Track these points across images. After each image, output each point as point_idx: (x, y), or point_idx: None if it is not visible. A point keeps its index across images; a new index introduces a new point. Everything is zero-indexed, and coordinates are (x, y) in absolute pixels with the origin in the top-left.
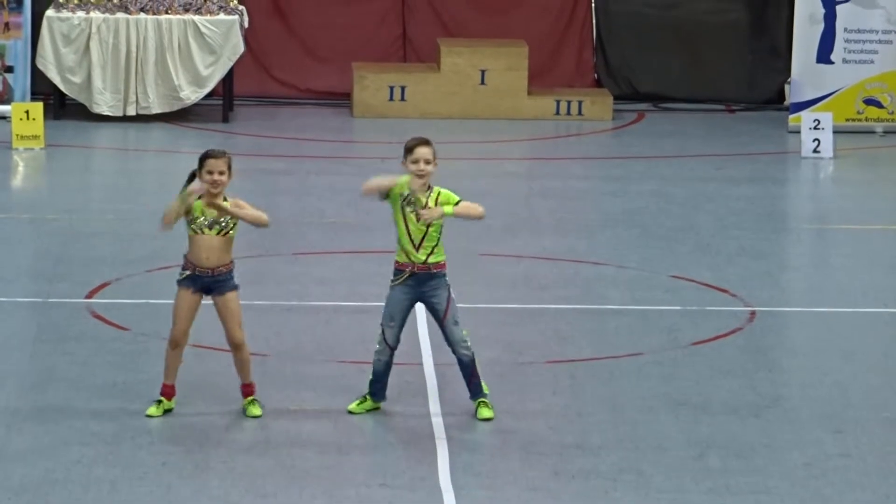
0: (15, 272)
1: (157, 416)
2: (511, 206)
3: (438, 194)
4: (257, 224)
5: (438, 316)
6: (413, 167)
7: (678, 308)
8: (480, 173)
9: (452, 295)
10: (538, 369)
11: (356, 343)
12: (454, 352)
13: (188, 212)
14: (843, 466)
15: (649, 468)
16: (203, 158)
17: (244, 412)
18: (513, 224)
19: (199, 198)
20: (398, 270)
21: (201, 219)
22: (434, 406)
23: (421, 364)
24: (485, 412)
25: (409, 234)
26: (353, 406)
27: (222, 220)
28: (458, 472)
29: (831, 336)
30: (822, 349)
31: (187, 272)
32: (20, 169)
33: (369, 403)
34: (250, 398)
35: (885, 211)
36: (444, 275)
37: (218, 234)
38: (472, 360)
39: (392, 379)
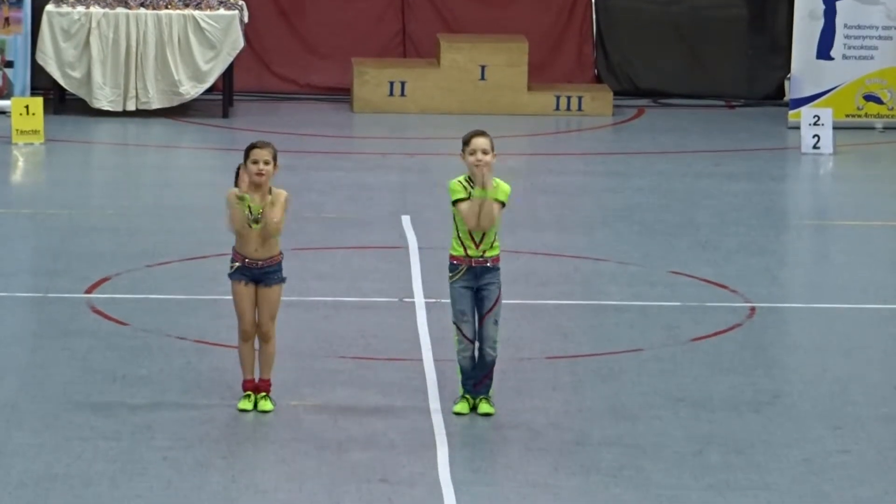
0: (15, 267)
1: (251, 410)
2: (511, 202)
3: (498, 186)
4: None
5: (482, 310)
6: (471, 158)
7: (678, 304)
8: None
9: (501, 294)
10: (538, 365)
11: (356, 338)
12: (481, 347)
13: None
14: (842, 463)
15: (649, 464)
16: (249, 149)
17: (255, 407)
18: (512, 220)
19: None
20: (454, 265)
21: (248, 214)
22: (434, 402)
23: (421, 360)
24: (485, 407)
25: (470, 232)
26: (457, 408)
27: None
28: (458, 467)
29: (831, 332)
30: (822, 345)
31: (237, 264)
32: (20, 164)
33: (471, 400)
34: (264, 393)
35: (885, 207)
36: (499, 269)
37: (261, 229)
38: (493, 362)
39: (391, 374)
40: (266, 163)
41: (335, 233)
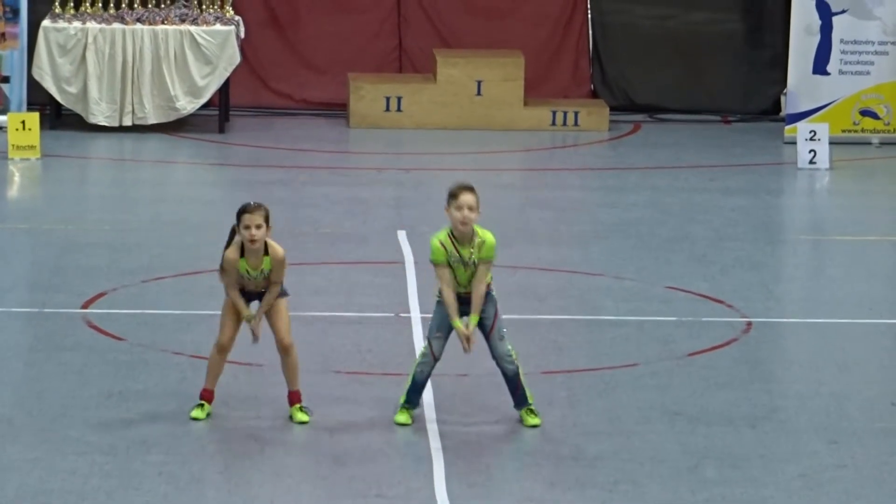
0: (11, 282)
1: (203, 419)
2: (507, 217)
3: (483, 243)
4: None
5: (485, 330)
6: (457, 214)
7: (674, 319)
8: (476, 184)
9: (499, 309)
10: (534, 380)
11: (352, 353)
12: (498, 365)
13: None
14: (838, 477)
15: (645, 479)
16: (240, 214)
17: (290, 418)
18: (508, 235)
19: (242, 255)
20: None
21: (246, 276)
22: (430, 416)
23: None
24: (530, 419)
25: (458, 281)
26: (399, 418)
27: (266, 271)
28: (454, 482)
29: (827, 347)
30: (818, 360)
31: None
32: (16, 179)
33: (412, 412)
34: (298, 405)
35: (881, 222)
36: (491, 291)
37: (263, 280)
38: (517, 374)
39: (388, 390)
40: (258, 227)
41: (331, 248)
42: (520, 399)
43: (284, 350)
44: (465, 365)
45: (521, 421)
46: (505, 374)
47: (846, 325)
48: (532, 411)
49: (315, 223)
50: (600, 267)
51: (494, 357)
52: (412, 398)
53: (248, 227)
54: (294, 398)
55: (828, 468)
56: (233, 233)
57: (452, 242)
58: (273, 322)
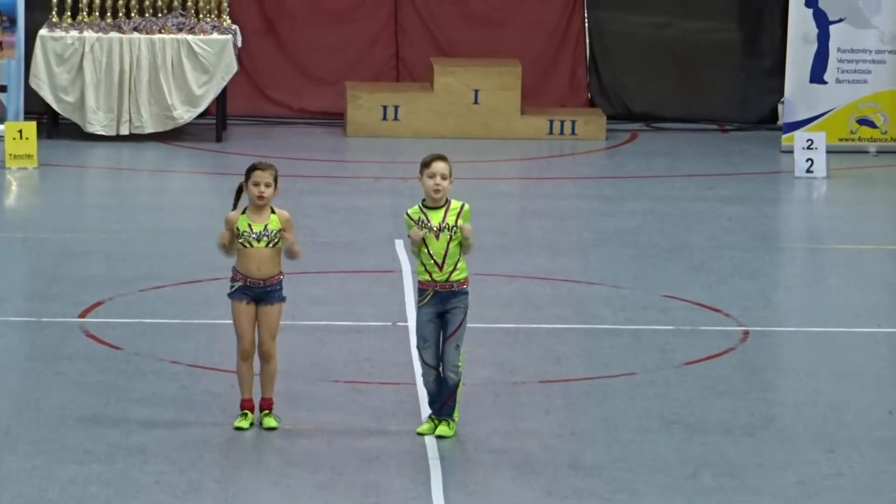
0: (8, 291)
1: (247, 428)
2: (504, 226)
3: (462, 207)
4: (290, 253)
5: (446, 333)
6: (430, 182)
7: (671, 328)
8: (474, 193)
9: (467, 319)
10: (531, 389)
11: (349, 362)
12: (444, 370)
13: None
14: (836, 486)
15: (643, 487)
16: (249, 170)
17: (260, 424)
18: (506, 244)
19: (244, 211)
20: (422, 290)
21: (247, 233)
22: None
23: (414, 383)
24: (443, 429)
25: (431, 254)
26: (420, 428)
27: (270, 231)
28: (452, 491)
29: (824, 356)
30: (816, 369)
31: (238, 283)
32: (13, 188)
33: (437, 421)
34: (267, 411)
35: (879, 230)
36: (466, 293)
37: (266, 245)
38: (456, 385)
39: (385, 398)
40: (267, 185)
41: (328, 257)
42: (447, 410)
43: (265, 357)
44: (463, 375)
45: (434, 427)
46: (446, 381)
47: (843, 334)
48: (449, 424)
49: (312, 232)
50: (598, 276)
51: (443, 361)
52: (433, 408)
53: (257, 184)
54: (266, 405)
55: (825, 477)
56: (239, 191)
57: (422, 212)
58: (261, 326)
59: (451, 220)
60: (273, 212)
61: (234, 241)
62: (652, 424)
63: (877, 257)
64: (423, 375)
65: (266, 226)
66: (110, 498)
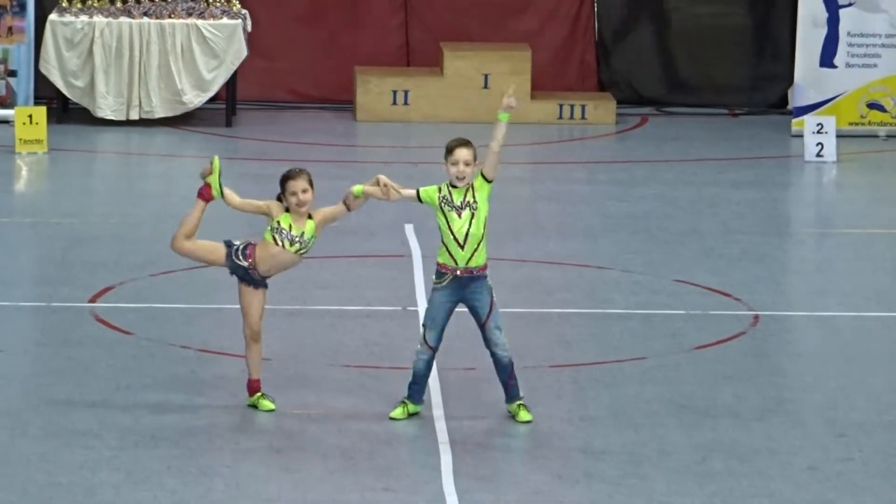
0: (18, 276)
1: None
2: (515, 211)
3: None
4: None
5: (480, 319)
6: (453, 169)
7: (681, 312)
8: None
9: (495, 299)
10: (542, 373)
11: (359, 347)
12: (492, 354)
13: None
14: (846, 470)
15: (653, 472)
16: (283, 181)
17: (256, 407)
18: (516, 228)
19: (286, 210)
20: (440, 273)
21: (286, 231)
22: (437, 410)
23: None
24: (524, 415)
25: (453, 234)
26: (395, 413)
27: (306, 239)
28: (462, 476)
29: (834, 340)
30: (826, 353)
31: (244, 264)
32: (23, 173)
33: (411, 407)
34: (261, 393)
35: (888, 215)
36: (486, 277)
37: (296, 252)
38: (510, 363)
39: (395, 383)
40: (304, 191)
41: (338, 241)
42: (512, 392)
43: (253, 337)
44: (473, 359)
45: (513, 417)
46: (500, 362)
47: (854, 318)
48: (524, 406)
49: None
50: (608, 260)
51: (488, 346)
52: (411, 392)
53: (294, 194)
54: (257, 386)
55: (836, 461)
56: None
57: (448, 189)
58: (246, 308)
59: (470, 197)
60: (310, 216)
61: (245, 210)
62: (662, 409)
63: (887, 241)
64: (418, 353)
65: (303, 233)
66: (120, 483)
